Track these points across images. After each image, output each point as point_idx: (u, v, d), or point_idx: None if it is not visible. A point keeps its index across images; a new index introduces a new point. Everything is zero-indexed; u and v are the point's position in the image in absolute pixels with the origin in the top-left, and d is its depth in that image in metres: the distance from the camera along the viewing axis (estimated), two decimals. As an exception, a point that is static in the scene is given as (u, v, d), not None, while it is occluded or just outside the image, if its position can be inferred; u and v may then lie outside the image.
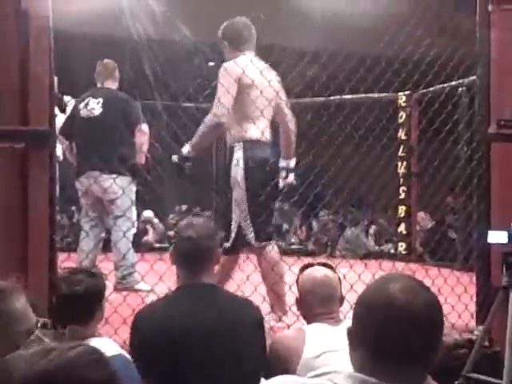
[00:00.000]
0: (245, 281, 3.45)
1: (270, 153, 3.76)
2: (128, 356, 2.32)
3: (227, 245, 3.63)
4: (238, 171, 3.63)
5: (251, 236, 3.59)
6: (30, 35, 2.69)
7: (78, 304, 2.30)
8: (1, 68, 2.77)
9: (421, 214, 7.54)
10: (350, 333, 1.26)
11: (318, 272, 2.42)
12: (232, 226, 3.66)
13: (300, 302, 2.43)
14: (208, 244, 2.31)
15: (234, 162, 3.66)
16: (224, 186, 3.83)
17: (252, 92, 3.65)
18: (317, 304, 2.33)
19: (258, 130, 3.66)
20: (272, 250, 3.64)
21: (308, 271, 2.44)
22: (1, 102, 2.76)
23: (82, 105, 4.82)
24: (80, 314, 2.29)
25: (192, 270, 2.29)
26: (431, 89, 6.02)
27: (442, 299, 3.67)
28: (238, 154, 3.65)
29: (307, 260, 3.72)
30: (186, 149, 3.76)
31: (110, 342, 2.34)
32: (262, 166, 3.65)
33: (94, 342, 2.18)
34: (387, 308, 1.23)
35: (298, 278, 2.48)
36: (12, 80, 2.70)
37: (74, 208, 7.63)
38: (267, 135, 3.75)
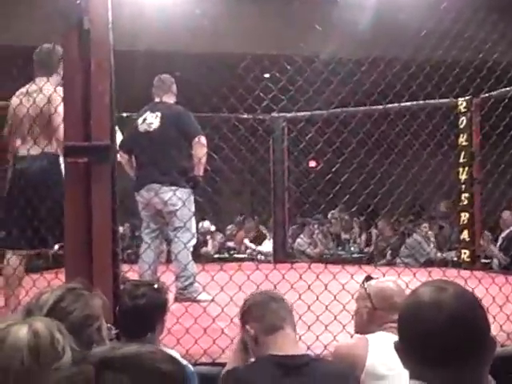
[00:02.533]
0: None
1: None
2: (191, 367, 2.33)
3: None
4: None
5: None
6: (91, 53, 2.75)
7: (140, 317, 2.33)
8: (65, 86, 2.85)
9: (507, 213, 7.36)
10: (396, 348, 1.28)
11: (387, 282, 2.46)
12: None
13: (372, 312, 2.39)
14: (290, 315, 2.23)
15: None
16: None
17: None
18: (389, 313, 2.29)
19: None
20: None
21: (376, 282, 2.46)
22: (65, 119, 2.84)
23: (140, 120, 4.91)
24: (141, 327, 2.32)
25: (280, 340, 2.15)
26: (493, 93, 5.88)
27: (510, 307, 3.58)
28: None
29: (368, 269, 3.69)
30: None
31: (172, 354, 2.36)
32: None
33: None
34: (415, 311, 1.27)
35: (365, 291, 2.44)
36: (75, 98, 2.77)
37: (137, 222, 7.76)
38: None
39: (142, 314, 2.34)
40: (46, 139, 3.74)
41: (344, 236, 9.18)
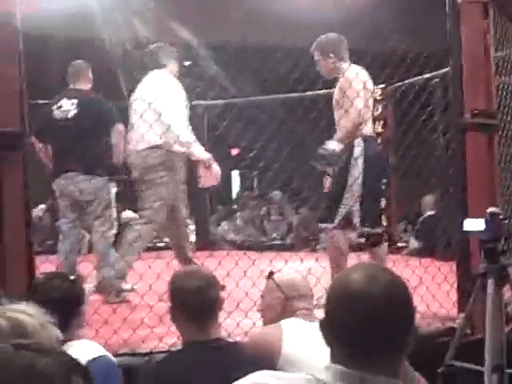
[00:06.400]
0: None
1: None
2: (111, 358, 2.28)
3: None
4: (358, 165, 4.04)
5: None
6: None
7: (54, 310, 2.25)
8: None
9: (427, 198, 7.52)
10: (322, 328, 1.27)
11: (293, 272, 2.57)
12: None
13: (284, 303, 2.40)
14: (217, 293, 2.21)
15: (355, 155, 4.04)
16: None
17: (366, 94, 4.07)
18: (300, 301, 2.37)
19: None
20: None
21: (283, 273, 2.52)
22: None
23: (55, 106, 4.77)
24: (57, 320, 2.24)
25: (201, 325, 2.14)
26: (406, 81, 6.05)
27: (423, 289, 3.71)
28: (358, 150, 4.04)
29: (288, 255, 3.72)
30: (333, 145, 4.00)
31: (91, 344, 2.30)
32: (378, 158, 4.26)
33: (76, 346, 2.14)
34: (347, 298, 1.24)
35: (274, 284, 2.46)
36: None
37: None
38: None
39: (56, 307, 2.25)
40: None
41: (266, 223, 9.25)
